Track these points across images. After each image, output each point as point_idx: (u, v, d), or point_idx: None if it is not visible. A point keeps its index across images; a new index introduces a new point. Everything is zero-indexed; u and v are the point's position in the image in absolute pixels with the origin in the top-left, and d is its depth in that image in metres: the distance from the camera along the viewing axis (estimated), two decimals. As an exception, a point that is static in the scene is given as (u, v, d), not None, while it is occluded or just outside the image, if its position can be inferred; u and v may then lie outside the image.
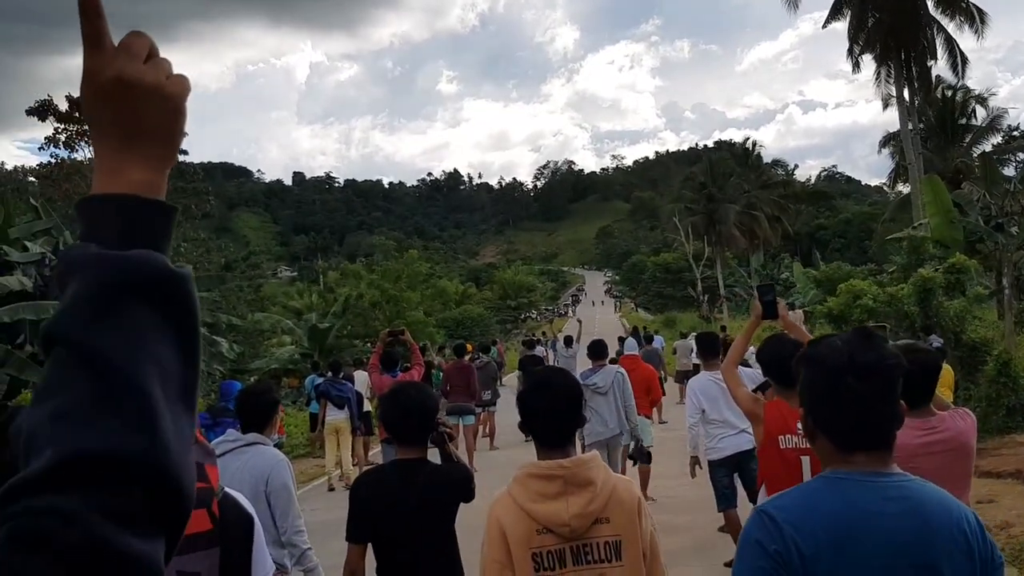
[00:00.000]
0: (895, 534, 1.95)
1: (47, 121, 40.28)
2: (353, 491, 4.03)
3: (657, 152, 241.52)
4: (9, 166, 72.29)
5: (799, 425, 3.97)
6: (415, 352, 11.26)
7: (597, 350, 10.12)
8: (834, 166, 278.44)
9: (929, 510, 2.01)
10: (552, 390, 2.95)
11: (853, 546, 1.94)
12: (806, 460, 4.23)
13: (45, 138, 41.36)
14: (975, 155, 38.43)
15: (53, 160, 41.43)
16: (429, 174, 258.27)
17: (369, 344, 31.29)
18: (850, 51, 35.24)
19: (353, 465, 15.01)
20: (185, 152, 42.51)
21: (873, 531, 1.95)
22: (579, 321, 30.67)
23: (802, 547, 1.93)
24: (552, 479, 2.78)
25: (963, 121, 41.00)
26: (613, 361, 10.78)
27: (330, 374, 15.69)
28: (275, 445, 5.22)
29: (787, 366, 4.46)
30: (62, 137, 40.76)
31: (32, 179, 44.35)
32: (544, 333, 40.60)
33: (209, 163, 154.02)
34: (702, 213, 62.63)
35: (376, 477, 4.04)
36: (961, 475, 3.70)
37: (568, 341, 24.50)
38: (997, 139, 41.28)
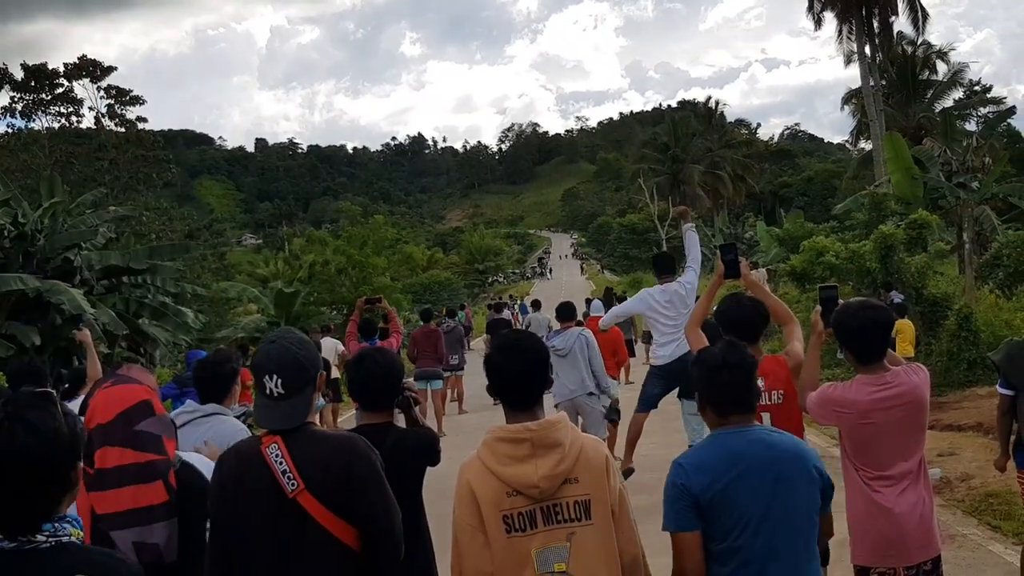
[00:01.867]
0: (758, 461, 3.04)
1: (2, 90, 39.62)
2: None
3: (621, 113, 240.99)
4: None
5: (760, 382, 4.06)
6: (393, 320, 11.20)
7: (565, 312, 10.16)
8: (797, 124, 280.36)
9: (780, 447, 3.11)
10: (519, 352, 2.96)
11: (733, 471, 3.02)
12: (766, 416, 4.32)
13: (1, 107, 40.67)
14: (937, 111, 38.72)
15: (10, 130, 40.83)
16: (393, 138, 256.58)
17: (335, 311, 31.20)
18: (811, 7, 35.40)
19: (322, 432, 15.02)
20: (144, 120, 41.94)
21: (745, 460, 3.04)
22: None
23: (699, 479, 3.03)
24: (520, 442, 2.80)
25: (924, 77, 41.25)
26: (580, 323, 10.79)
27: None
28: (242, 415, 5.19)
29: (748, 324, 4.52)
30: (18, 106, 40.12)
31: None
32: (511, 296, 40.60)
33: (169, 131, 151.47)
34: (666, 174, 62.80)
35: None
36: (916, 428, 3.78)
37: (536, 304, 24.54)
38: (959, 94, 41.64)
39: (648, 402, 9.03)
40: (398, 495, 3.08)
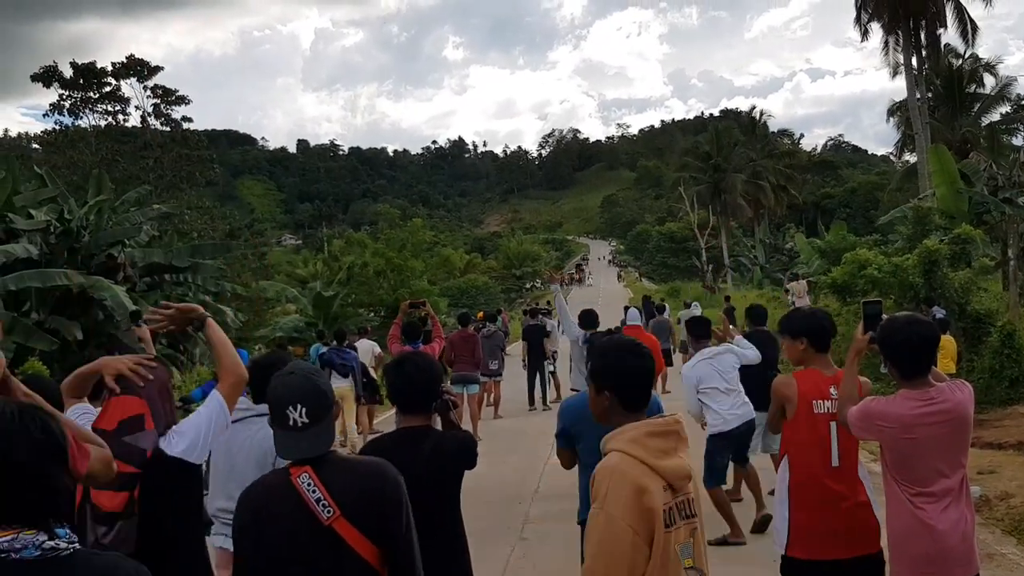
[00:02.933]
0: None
1: (52, 87, 40.29)
2: None
3: (663, 121, 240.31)
4: (13, 133, 72.16)
5: (832, 390, 4.05)
6: (436, 325, 11.23)
7: (588, 320, 10.24)
8: (840, 135, 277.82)
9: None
10: (644, 352, 3.00)
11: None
12: (834, 425, 4.25)
13: (50, 105, 41.37)
14: (983, 125, 38.17)
15: (57, 127, 41.44)
16: (434, 142, 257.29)
17: (372, 313, 31.34)
18: (858, 18, 35.01)
19: (358, 434, 15.15)
20: (189, 119, 42.45)
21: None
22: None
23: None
24: (669, 435, 2.81)
25: (971, 90, 40.63)
26: (619, 331, 10.78)
27: (335, 343, 15.79)
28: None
29: (824, 332, 4.53)
30: (66, 104, 40.79)
31: (36, 146, 44.33)
32: (548, 302, 40.42)
33: (213, 130, 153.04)
34: (707, 183, 62.43)
35: (381, 445, 4.05)
36: (959, 445, 3.72)
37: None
38: (1006, 108, 40.93)
39: (720, 476, 8.05)
40: (438, 498, 3.10)
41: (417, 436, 3.82)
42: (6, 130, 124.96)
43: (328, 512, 2.91)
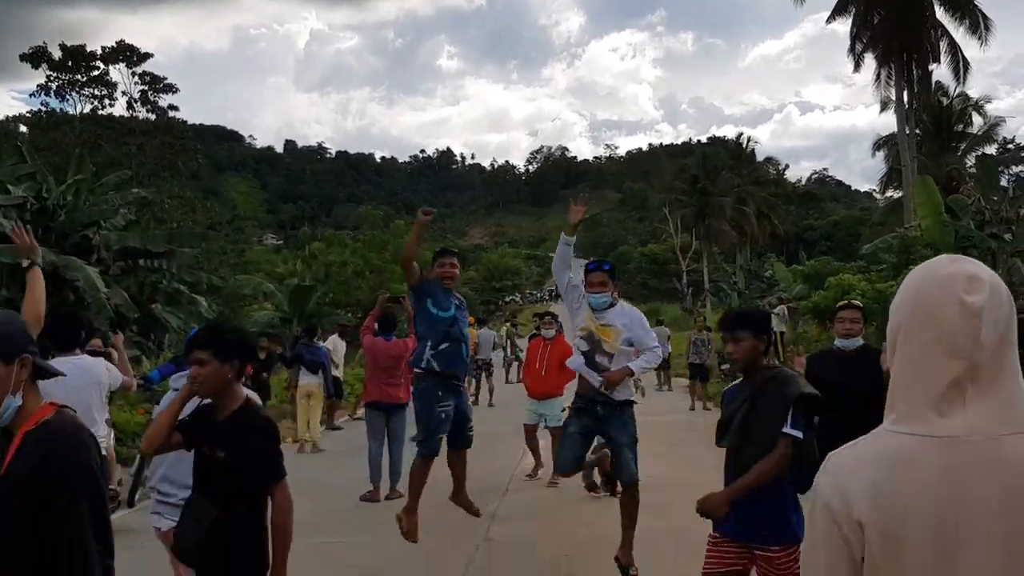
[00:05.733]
0: None
1: (40, 69, 39.88)
2: None
3: (651, 144, 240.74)
4: (1, 115, 71.60)
5: None
6: (413, 321, 11.06)
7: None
8: (825, 169, 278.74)
9: None
10: None
11: None
12: None
13: (37, 86, 41.02)
14: (969, 164, 38.39)
15: (43, 108, 41.04)
16: (422, 151, 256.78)
17: (350, 313, 31.01)
18: (852, 48, 35.02)
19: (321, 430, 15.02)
20: (175, 108, 42.08)
21: None
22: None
23: None
24: None
25: (959, 128, 40.94)
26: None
27: (304, 338, 15.56)
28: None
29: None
30: (54, 85, 40.41)
31: (23, 127, 43.84)
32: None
33: (201, 125, 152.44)
34: (692, 206, 62.52)
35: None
36: None
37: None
38: (991, 149, 41.27)
39: None
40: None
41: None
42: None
43: None
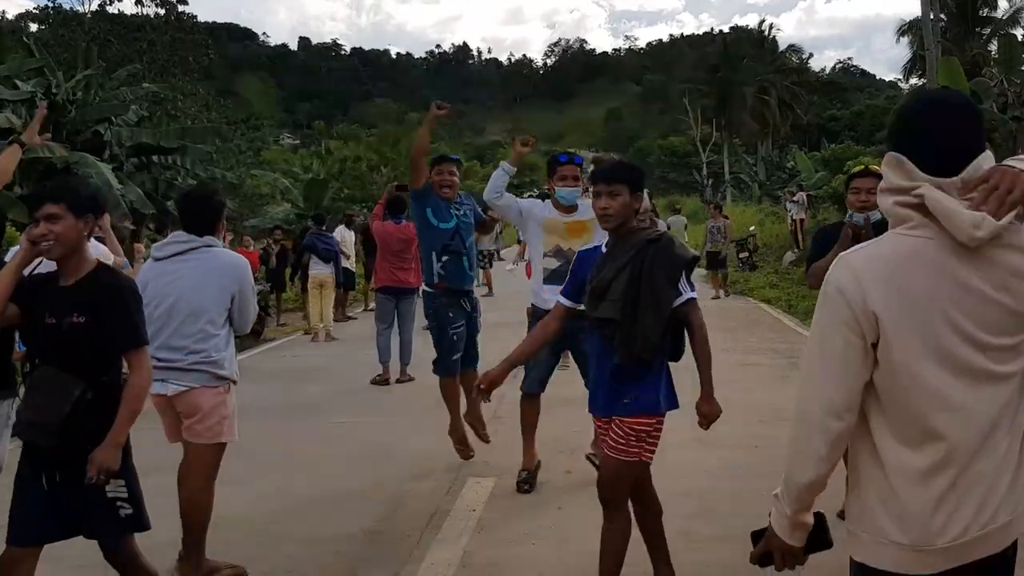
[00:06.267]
0: None
1: (46, -38, 39.33)
2: None
3: (672, 35, 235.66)
4: (11, 15, 70.73)
5: None
6: None
7: None
8: (850, 58, 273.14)
9: None
10: None
11: None
12: None
13: (44, -20, 40.49)
14: (992, 49, 37.49)
15: (51, 4, 40.54)
16: (438, 46, 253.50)
17: (365, 208, 30.94)
18: (877, -71, 33.87)
19: (333, 320, 15.14)
20: (184, 2, 41.40)
21: None
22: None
23: None
24: None
25: (984, 12, 39.88)
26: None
27: (315, 226, 15.56)
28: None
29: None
30: (62, -18, 39.92)
31: (33, 26, 43.36)
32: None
33: (215, 23, 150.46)
34: (713, 96, 61.54)
35: None
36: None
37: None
38: (1017, 32, 40.21)
39: None
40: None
41: None
42: (3, 11, 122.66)
43: None
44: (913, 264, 1.94)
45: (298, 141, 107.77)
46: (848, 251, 2.04)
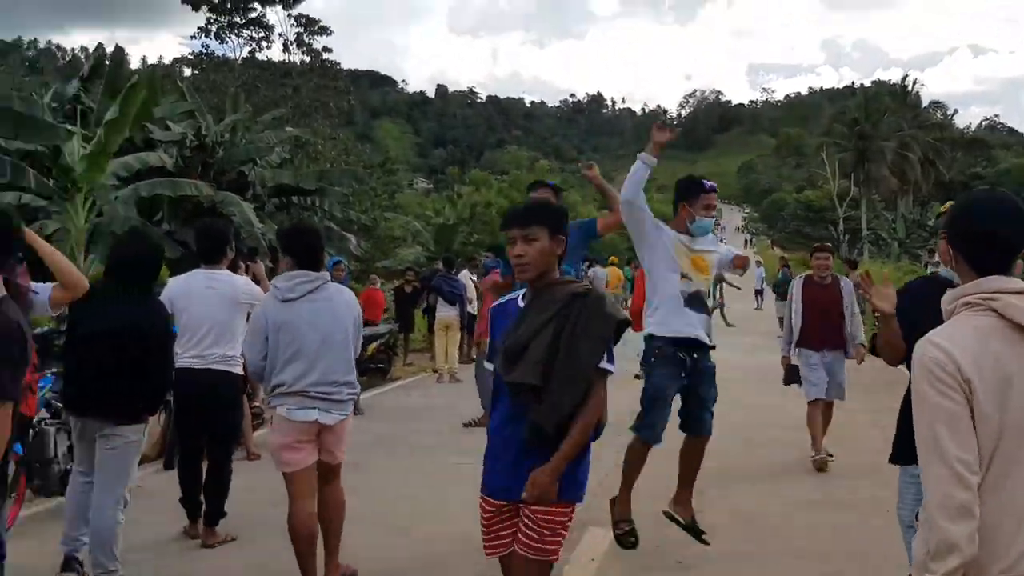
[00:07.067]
0: None
1: (200, 11, 41.36)
2: None
3: (810, 88, 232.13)
4: (168, 59, 74.63)
5: None
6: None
7: None
8: (996, 116, 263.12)
9: None
10: None
11: None
12: None
13: (198, 28, 42.61)
14: None
15: (204, 50, 42.65)
16: (572, 95, 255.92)
17: (494, 254, 31.24)
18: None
19: (458, 362, 15.36)
20: (329, 50, 42.95)
21: None
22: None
23: None
24: None
25: None
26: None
27: (444, 269, 15.79)
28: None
29: None
30: (213, 28, 41.88)
31: (187, 70, 45.71)
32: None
33: (356, 70, 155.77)
34: (852, 150, 60.11)
35: None
36: None
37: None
38: None
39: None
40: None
41: None
42: (160, 57, 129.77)
43: None
44: (990, 336, 2.21)
45: (431, 186, 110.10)
46: (932, 332, 2.27)
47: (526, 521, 3.34)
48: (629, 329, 3.55)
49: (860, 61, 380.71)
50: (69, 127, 16.63)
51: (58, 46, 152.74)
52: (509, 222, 3.46)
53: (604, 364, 3.35)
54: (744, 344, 18.94)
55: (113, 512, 4.82)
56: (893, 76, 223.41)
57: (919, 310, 3.26)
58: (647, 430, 5.45)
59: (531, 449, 3.30)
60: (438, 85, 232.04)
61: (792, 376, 8.73)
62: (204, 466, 6.14)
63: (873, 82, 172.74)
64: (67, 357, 5.12)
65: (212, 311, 5.94)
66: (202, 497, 6.04)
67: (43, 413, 6.44)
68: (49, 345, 6.93)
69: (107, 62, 20.47)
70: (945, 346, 2.19)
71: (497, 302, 3.80)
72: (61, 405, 6.09)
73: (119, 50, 24.19)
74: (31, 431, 6.24)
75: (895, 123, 60.53)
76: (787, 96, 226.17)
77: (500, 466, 3.41)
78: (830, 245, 8.32)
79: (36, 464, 6.28)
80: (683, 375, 5.47)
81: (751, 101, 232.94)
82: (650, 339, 5.58)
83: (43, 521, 6.28)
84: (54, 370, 6.57)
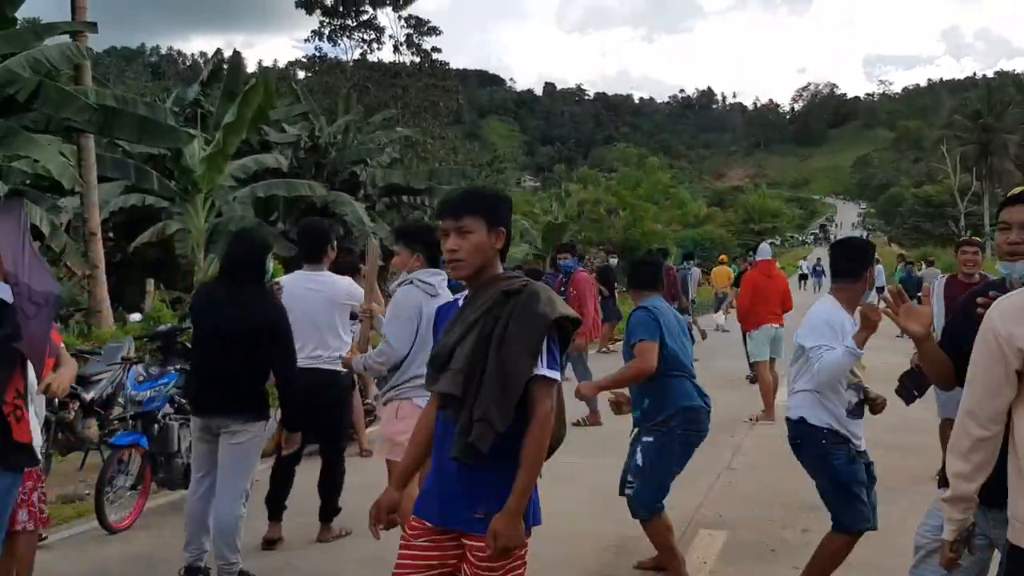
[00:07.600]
0: None
1: (314, 15, 42.35)
2: None
3: (930, 80, 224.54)
4: (282, 63, 76.52)
5: None
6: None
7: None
8: None
9: None
10: None
11: None
12: None
13: (311, 31, 43.60)
14: None
15: (317, 53, 43.65)
16: (681, 91, 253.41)
17: (603, 251, 31.14)
18: None
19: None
20: (438, 51, 43.44)
21: None
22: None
23: None
24: None
25: None
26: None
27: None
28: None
29: None
30: (326, 31, 42.78)
31: (300, 73, 46.80)
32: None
33: (464, 70, 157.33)
34: (974, 143, 57.92)
35: None
36: None
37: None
38: None
39: None
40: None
41: None
42: (275, 60, 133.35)
43: None
44: None
45: (539, 184, 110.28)
46: (1002, 298, 2.57)
47: (471, 556, 2.86)
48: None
49: (983, 51, 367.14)
50: (190, 131, 17.18)
51: (179, 52, 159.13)
52: (441, 212, 3.00)
53: (542, 371, 2.81)
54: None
55: (236, 506, 4.89)
56: (1018, 66, 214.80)
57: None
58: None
59: (475, 472, 2.81)
60: (546, 83, 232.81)
61: (914, 385, 5.36)
62: (296, 468, 6.10)
63: (997, 73, 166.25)
64: (191, 357, 5.23)
65: (313, 313, 5.89)
66: (312, 495, 6.10)
67: (167, 409, 6.63)
68: (171, 343, 7.12)
69: (225, 67, 21.11)
70: (1002, 314, 2.52)
71: (442, 303, 3.50)
72: (184, 401, 6.25)
73: (236, 55, 24.96)
74: (155, 425, 6.43)
75: (1020, 115, 58.13)
76: (905, 88, 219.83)
77: (438, 490, 2.94)
78: (979, 239, 7.50)
79: (161, 458, 6.45)
80: None
81: (867, 94, 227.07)
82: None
83: (166, 514, 6.49)
84: (178, 367, 6.75)
